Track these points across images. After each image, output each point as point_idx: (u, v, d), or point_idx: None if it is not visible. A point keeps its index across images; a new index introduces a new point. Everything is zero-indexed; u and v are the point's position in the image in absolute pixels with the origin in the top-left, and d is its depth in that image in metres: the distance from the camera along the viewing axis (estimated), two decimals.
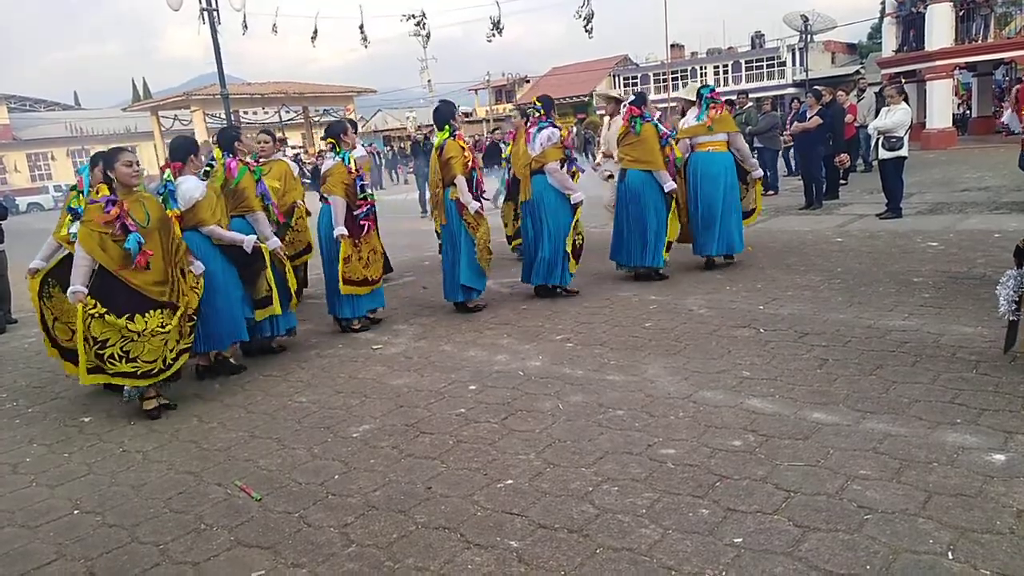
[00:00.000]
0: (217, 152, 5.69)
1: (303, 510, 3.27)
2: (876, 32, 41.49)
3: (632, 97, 7.32)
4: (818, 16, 36.08)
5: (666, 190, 6.89)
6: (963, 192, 11.32)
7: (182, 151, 5.26)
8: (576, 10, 20.21)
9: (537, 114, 6.76)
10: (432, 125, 7.44)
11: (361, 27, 24.73)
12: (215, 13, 16.20)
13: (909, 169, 10.33)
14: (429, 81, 37.39)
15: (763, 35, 47.11)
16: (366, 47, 24.78)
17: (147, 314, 4.42)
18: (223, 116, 20.15)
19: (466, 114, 56.15)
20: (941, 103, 20.15)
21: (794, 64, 42.45)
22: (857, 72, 31.72)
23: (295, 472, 3.67)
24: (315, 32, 24.58)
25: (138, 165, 4.58)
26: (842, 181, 12.96)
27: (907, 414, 3.62)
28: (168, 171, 5.22)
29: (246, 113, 38.07)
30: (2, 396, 5.54)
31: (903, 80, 20.55)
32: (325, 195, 6.09)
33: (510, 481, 3.34)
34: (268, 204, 5.75)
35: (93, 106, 65.99)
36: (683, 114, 7.84)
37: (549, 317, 6.22)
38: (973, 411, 3.58)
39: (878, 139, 9.49)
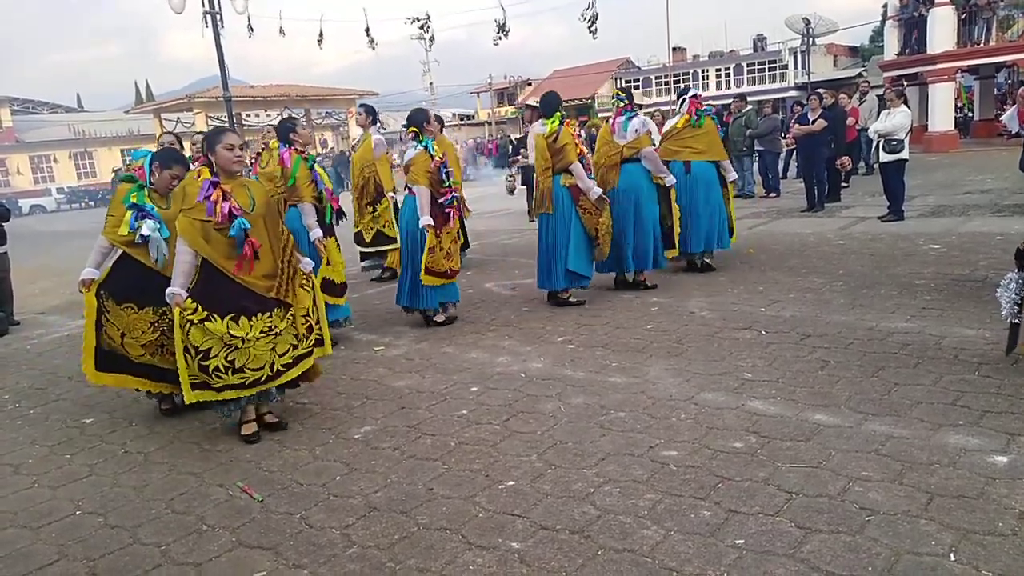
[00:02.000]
0: (274, 143, 5.84)
1: (305, 511, 3.27)
2: (878, 35, 41.55)
3: (693, 91, 7.71)
4: (820, 19, 36.07)
5: (729, 180, 7.47)
6: (965, 195, 11.32)
7: (211, 145, 5.41)
8: (581, 12, 20.26)
9: (622, 104, 6.95)
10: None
11: (367, 30, 24.78)
12: (218, 16, 16.23)
13: (911, 172, 10.32)
14: (431, 84, 37.43)
15: (765, 38, 47.16)
16: (373, 49, 24.84)
17: (253, 317, 3.89)
18: (226, 118, 20.19)
19: (468, 117, 56.26)
20: (943, 106, 20.15)
21: (796, 67, 42.48)
22: (859, 75, 31.70)
23: (297, 473, 3.67)
24: (320, 35, 24.65)
25: (241, 149, 4.08)
26: (844, 184, 12.97)
27: (909, 416, 3.61)
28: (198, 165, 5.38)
29: (248, 116, 38.12)
30: (4, 397, 5.55)
31: (905, 83, 20.57)
32: (410, 185, 6.04)
33: (512, 482, 3.34)
34: (322, 191, 5.72)
35: (96, 108, 66.12)
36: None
37: (550, 319, 6.22)
38: (975, 413, 3.57)
39: (879, 142, 9.50)
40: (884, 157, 9.47)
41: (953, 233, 8.32)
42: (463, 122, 52.97)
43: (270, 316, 3.94)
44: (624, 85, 48.57)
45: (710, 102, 12.07)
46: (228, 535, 3.13)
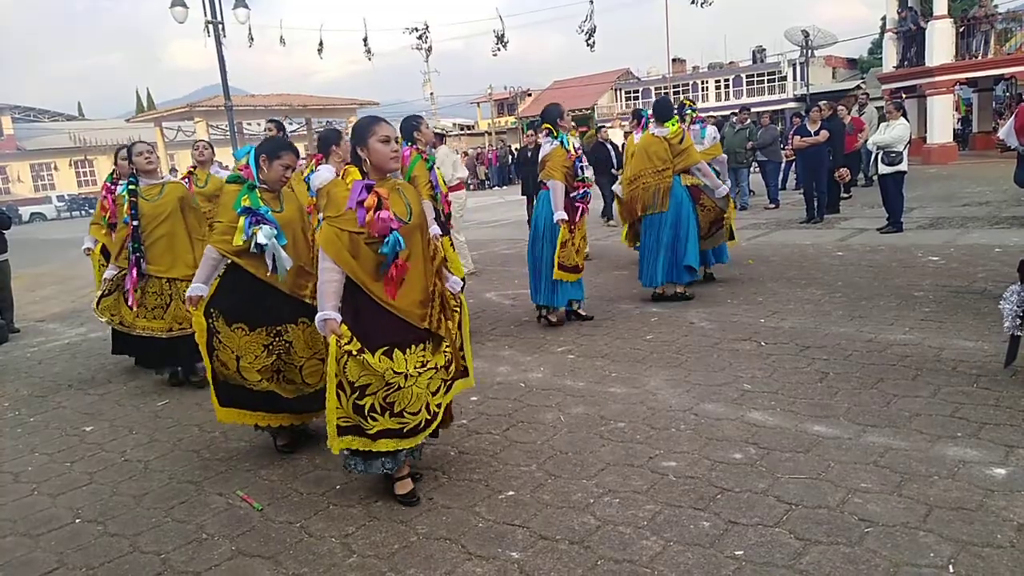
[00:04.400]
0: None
1: (304, 520, 3.27)
2: (877, 47, 41.75)
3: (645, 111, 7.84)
4: (819, 31, 36.25)
5: (719, 194, 7.06)
6: (964, 207, 11.35)
7: (325, 143, 5.38)
8: (579, 24, 20.37)
9: (693, 113, 7.26)
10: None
11: (365, 40, 24.90)
12: (220, 26, 16.31)
13: (910, 184, 10.36)
14: (431, 94, 37.55)
15: (764, 50, 47.38)
16: (370, 59, 24.95)
17: (408, 349, 3.16)
18: (226, 127, 20.25)
19: (468, 127, 56.42)
20: (941, 118, 20.24)
21: (795, 79, 42.67)
22: (858, 87, 31.85)
23: (296, 482, 3.68)
24: (320, 45, 24.76)
25: (398, 142, 3.31)
26: (845, 195, 13.01)
27: (908, 428, 3.62)
28: (312, 161, 5.42)
29: (249, 124, 38.24)
30: (4, 405, 5.55)
31: (904, 95, 20.66)
32: (544, 180, 6.07)
33: (511, 492, 3.34)
34: (436, 192, 5.67)
35: (97, 117, 66.29)
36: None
37: (550, 329, 6.24)
38: (974, 425, 3.58)
39: (878, 154, 9.54)
40: (883, 169, 9.50)
41: (952, 245, 8.34)
42: (463, 132, 53.10)
43: (424, 349, 3.23)
44: (625, 96, 48.82)
45: (710, 113, 12.10)
46: (228, 544, 3.13)
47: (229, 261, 3.81)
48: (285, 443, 4.09)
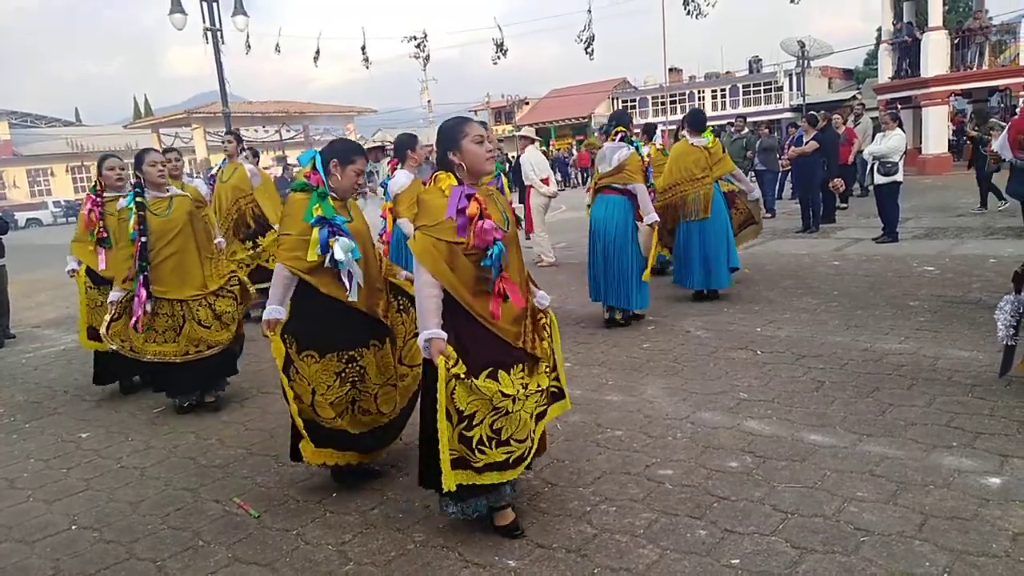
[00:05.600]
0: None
1: (301, 527, 3.27)
2: (872, 58, 41.96)
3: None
4: (815, 42, 36.45)
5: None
6: (958, 217, 11.40)
7: (401, 148, 5.41)
8: (577, 33, 20.43)
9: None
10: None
11: (363, 48, 24.96)
12: (218, 33, 16.34)
13: (905, 194, 10.41)
14: (429, 102, 37.62)
15: (760, 60, 47.57)
16: (367, 67, 25.00)
17: (511, 370, 2.90)
18: (224, 134, 20.26)
19: None
20: (936, 129, 20.34)
21: (791, 89, 42.84)
22: (854, 97, 32.01)
23: (293, 489, 3.67)
24: (317, 52, 24.81)
25: (491, 141, 3.06)
26: (843, 205, 13.06)
27: (903, 437, 3.64)
28: (388, 166, 5.49)
29: (247, 131, 38.28)
30: (0, 411, 5.53)
31: (899, 106, 20.77)
32: (621, 185, 6.12)
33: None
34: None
35: (94, 123, 66.28)
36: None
37: None
38: (969, 434, 3.60)
39: (873, 164, 9.59)
40: (878, 179, 9.55)
41: (946, 255, 8.38)
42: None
43: (523, 370, 2.97)
44: (621, 105, 48.94)
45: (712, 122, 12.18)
46: (224, 551, 3.13)
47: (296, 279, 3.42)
48: (342, 476, 3.68)
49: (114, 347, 4.86)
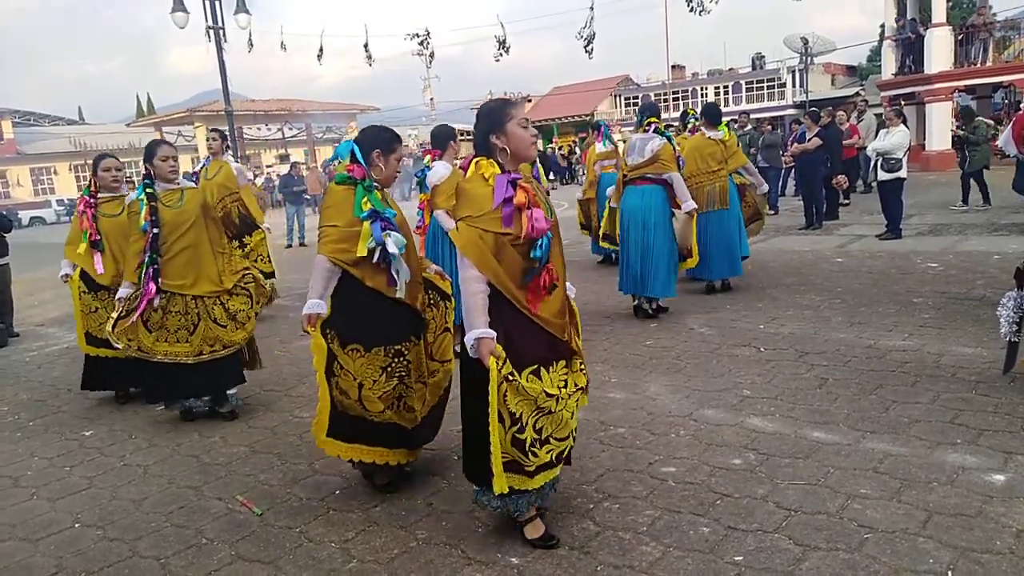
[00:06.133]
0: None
1: (304, 525, 3.27)
2: (875, 55, 41.84)
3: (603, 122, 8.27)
4: (818, 39, 36.36)
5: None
6: (962, 214, 11.38)
7: (441, 139, 5.38)
8: (578, 31, 20.41)
9: (697, 122, 7.80)
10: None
11: (366, 46, 24.96)
12: (221, 31, 16.34)
13: (909, 190, 10.39)
14: (431, 99, 37.61)
15: (763, 56, 47.42)
16: (370, 65, 25.00)
17: (552, 368, 2.83)
18: (227, 132, 20.26)
19: (467, 132, 56.46)
20: (940, 125, 20.28)
21: (794, 85, 42.72)
22: (857, 94, 31.94)
23: (296, 487, 3.68)
24: (321, 50, 24.82)
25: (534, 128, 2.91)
26: (845, 201, 13.05)
27: (907, 434, 3.63)
28: (428, 157, 5.39)
29: (249, 129, 38.29)
30: (3, 410, 5.54)
31: (903, 102, 20.71)
32: (655, 175, 6.21)
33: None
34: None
35: (97, 121, 66.36)
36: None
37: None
38: (973, 431, 3.59)
39: (877, 160, 9.57)
40: (882, 176, 9.53)
41: (950, 252, 8.36)
42: (463, 137, 53.23)
43: (566, 366, 2.90)
44: (624, 102, 48.91)
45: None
46: (227, 549, 3.13)
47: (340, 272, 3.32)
48: (386, 482, 3.57)
49: (120, 346, 4.63)
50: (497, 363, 2.62)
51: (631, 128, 12.83)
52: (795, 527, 2.88)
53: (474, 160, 2.84)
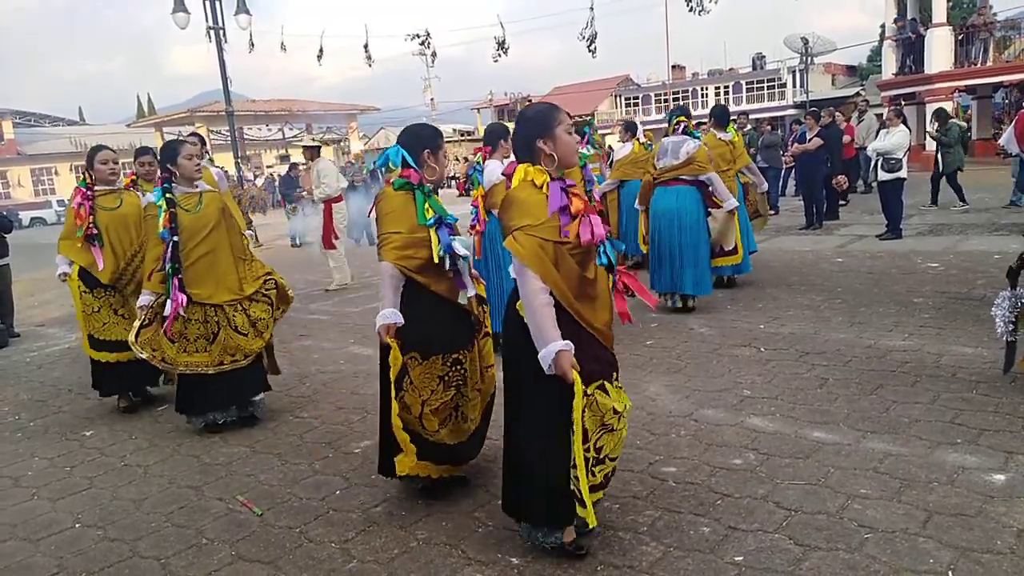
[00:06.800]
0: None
1: (304, 525, 3.27)
2: (876, 55, 41.83)
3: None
4: (818, 39, 36.38)
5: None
6: (963, 213, 11.37)
7: (493, 136, 5.40)
8: (580, 31, 20.42)
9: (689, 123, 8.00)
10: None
11: (366, 46, 24.97)
12: (221, 32, 16.36)
13: (909, 190, 10.38)
14: (432, 100, 37.60)
15: (764, 57, 47.48)
16: (370, 66, 25.02)
17: (612, 380, 2.73)
18: (227, 132, 20.28)
19: (468, 133, 56.52)
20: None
21: (795, 85, 42.75)
22: (857, 94, 31.95)
23: (296, 487, 3.68)
24: (321, 51, 24.84)
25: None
26: (843, 202, 13.04)
27: (907, 434, 3.63)
28: (479, 155, 5.42)
29: (250, 130, 38.29)
30: (4, 410, 5.54)
31: (903, 102, 20.71)
32: (690, 176, 6.37)
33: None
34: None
35: (98, 122, 66.38)
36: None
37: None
38: (973, 431, 3.59)
39: (877, 160, 9.57)
40: (882, 176, 9.53)
41: (951, 252, 8.35)
42: (463, 138, 53.22)
43: (617, 378, 2.79)
44: (624, 102, 48.91)
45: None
46: (227, 549, 3.13)
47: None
48: (428, 486, 3.42)
49: (144, 356, 4.39)
50: (580, 378, 2.51)
51: (649, 128, 12.97)
52: (795, 527, 2.88)
53: (521, 167, 2.72)
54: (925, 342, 5.08)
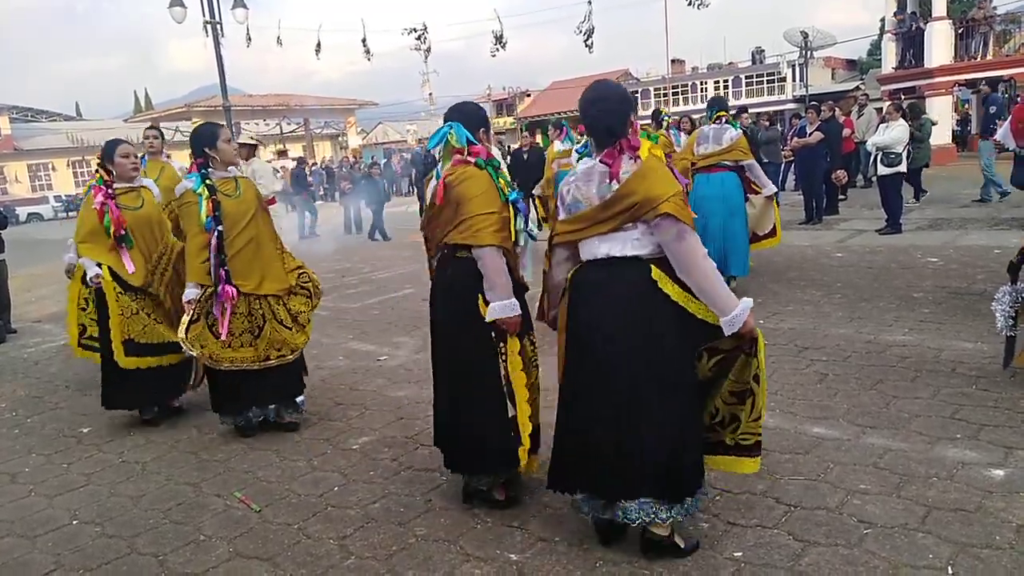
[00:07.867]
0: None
1: (302, 522, 3.26)
2: (876, 49, 41.80)
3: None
4: (818, 32, 36.23)
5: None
6: (963, 208, 11.36)
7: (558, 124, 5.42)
8: (577, 25, 20.39)
9: (669, 119, 8.33)
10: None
11: (364, 40, 24.93)
12: (218, 26, 16.30)
13: (908, 185, 10.37)
14: (430, 94, 37.55)
15: (763, 51, 47.31)
16: (369, 60, 24.98)
17: None
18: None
19: None
20: (940, 119, 20.25)
21: (794, 80, 42.62)
22: (857, 88, 31.89)
23: (294, 484, 3.67)
24: (318, 45, 24.79)
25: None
26: (841, 196, 13.02)
27: (907, 429, 3.62)
28: (583, 134, 5.42)
29: (248, 125, 38.23)
30: (1, 406, 5.53)
31: (903, 96, 20.69)
32: (731, 162, 6.66)
33: (510, 493, 3.33)
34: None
35: (95, 117, 66.25)
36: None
37: (546, 330, 6.21)
38: (973, 426, 3.58)
39: (877, 155, 9.55)
40: (882, 170, 9.51)
41: (951, 246, 8.34)
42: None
43: None
44: None
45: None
46: (226, 545, 3.12)
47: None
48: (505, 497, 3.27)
49: (195, 354, 4.17)
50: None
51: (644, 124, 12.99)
52: (795, 522, 2.87)
53: (645, 142, 2.67)
54: (925, 337, 5.07)
